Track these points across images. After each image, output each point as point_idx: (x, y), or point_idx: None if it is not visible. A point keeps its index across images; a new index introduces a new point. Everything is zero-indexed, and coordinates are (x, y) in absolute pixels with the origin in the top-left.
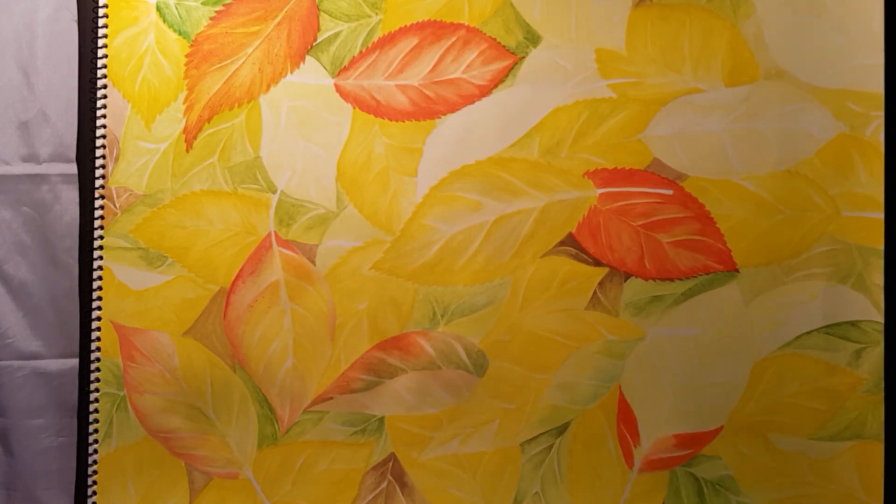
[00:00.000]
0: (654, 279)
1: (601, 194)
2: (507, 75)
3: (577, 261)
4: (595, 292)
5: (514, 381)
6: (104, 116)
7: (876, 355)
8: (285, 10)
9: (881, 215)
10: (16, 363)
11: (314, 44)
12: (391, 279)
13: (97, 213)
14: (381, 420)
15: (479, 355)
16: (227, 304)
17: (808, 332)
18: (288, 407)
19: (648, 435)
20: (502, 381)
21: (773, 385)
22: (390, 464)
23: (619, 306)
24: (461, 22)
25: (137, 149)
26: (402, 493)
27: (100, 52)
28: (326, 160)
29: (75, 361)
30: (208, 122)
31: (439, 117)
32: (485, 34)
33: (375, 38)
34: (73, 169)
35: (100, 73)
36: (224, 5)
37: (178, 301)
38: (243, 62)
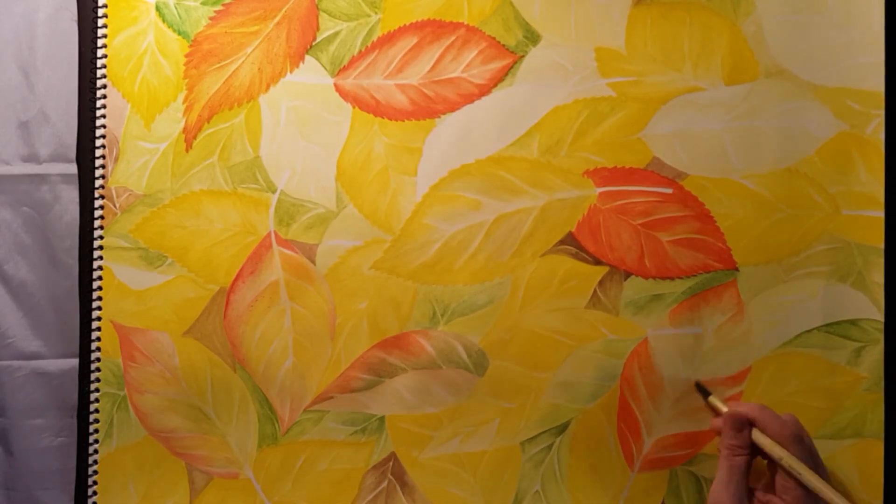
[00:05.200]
0: (654, 278)
1: (601, 193)
2: (506, 74)
3: (577, 260)
4: (595, 291)
5: (514, 380)
6: (104, 116)
7: (876, 354)
8: (284, 9)
9: (881, 214)
10: (16, 363)
11: (313, 43)
12: (391, 278)
13: (97, 213)
14: (382, 419)
15: (480, 354)
16: (227, 303)
17: (808, 331)
18: (288, 406)
19: (649, 434)
20: (502, 381)
21: (773, 383)
22: (390, 463)
23: (620, 305)
24: (460, 21)
25: (137, 149)
26: (403, 493)
27: (99, 52)
28: (326, 160)
29: (75, 361)
30: (208, 122)
31: (439, 116)
32: (484, 33)
33: (375, 38)
34: (73, 169)
35: (99, 73)
36: (223, 5)
37: (178, 301)
38: (243, 62)
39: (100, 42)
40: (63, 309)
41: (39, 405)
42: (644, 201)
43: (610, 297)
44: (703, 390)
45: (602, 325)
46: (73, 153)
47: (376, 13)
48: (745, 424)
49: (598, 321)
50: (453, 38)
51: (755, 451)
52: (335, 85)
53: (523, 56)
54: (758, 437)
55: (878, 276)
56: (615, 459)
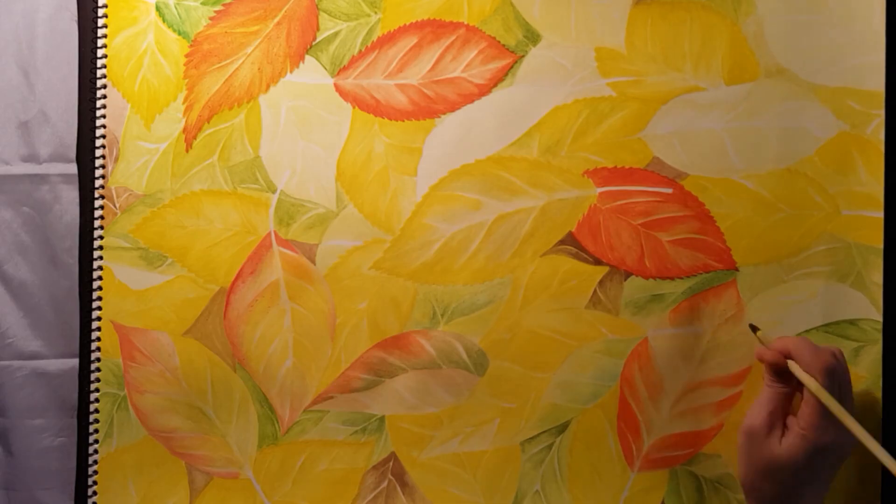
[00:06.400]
0: (654, 278)
1: (601, 193)
2: (506, 74)
3: (578, 259)
4: (595, 291)
5: (514, 380)
6: (104, 116)
7: (874, 353)
8: (284, 9)
9: (881, 214)
10: (16, 363)
11: (313, 43)
12: (391, 278)
13: (97, 213)
14: (382, 419)
15: (480, 354)
16: (227, 303)
17: (808, 331)
18: (288, 406)
19: (649, 434)
20: (502, 380)
21: None
22: (391, 463)
23: (620, 305)
24: (460, 21)
25: (137, 149)
26: (403, 493)
27: (99, 52)
28: (326, 160)
29: (75, 361)
30: (208, 122)
31: (439, 116)
32: (484, 33)
33: (375, 38)
34: (73, 169)
35: (99, 73)
36: (223, 5)
37: (178, 301)
38: (243, 62)
39: (100, 42)
40: (63, 309)
41: (39, 405)
42: (644, 201)
43: (610, 297)
44: (753, 328)
45: (602, 325)
46: (73, 153)
47: (376, 13)
48: (781, 358)
49: (598, 321)
50: (453, 37)
51: (796, 383)
52: (335, 85)
53: (523, 56)
54: (793, 367)
55: (877, 276)
56: (615, 459)
